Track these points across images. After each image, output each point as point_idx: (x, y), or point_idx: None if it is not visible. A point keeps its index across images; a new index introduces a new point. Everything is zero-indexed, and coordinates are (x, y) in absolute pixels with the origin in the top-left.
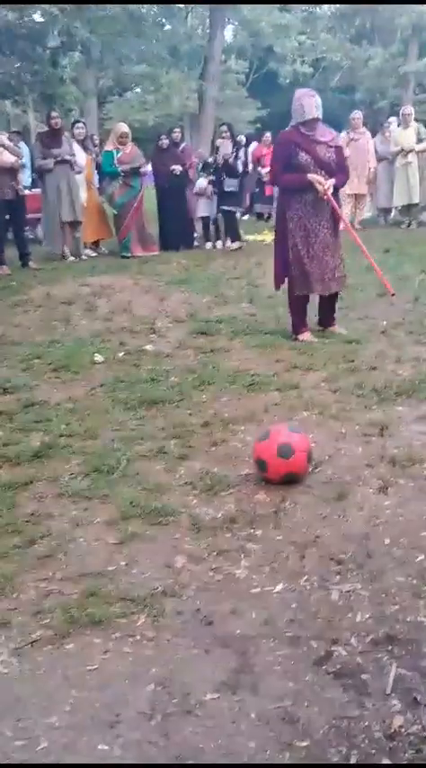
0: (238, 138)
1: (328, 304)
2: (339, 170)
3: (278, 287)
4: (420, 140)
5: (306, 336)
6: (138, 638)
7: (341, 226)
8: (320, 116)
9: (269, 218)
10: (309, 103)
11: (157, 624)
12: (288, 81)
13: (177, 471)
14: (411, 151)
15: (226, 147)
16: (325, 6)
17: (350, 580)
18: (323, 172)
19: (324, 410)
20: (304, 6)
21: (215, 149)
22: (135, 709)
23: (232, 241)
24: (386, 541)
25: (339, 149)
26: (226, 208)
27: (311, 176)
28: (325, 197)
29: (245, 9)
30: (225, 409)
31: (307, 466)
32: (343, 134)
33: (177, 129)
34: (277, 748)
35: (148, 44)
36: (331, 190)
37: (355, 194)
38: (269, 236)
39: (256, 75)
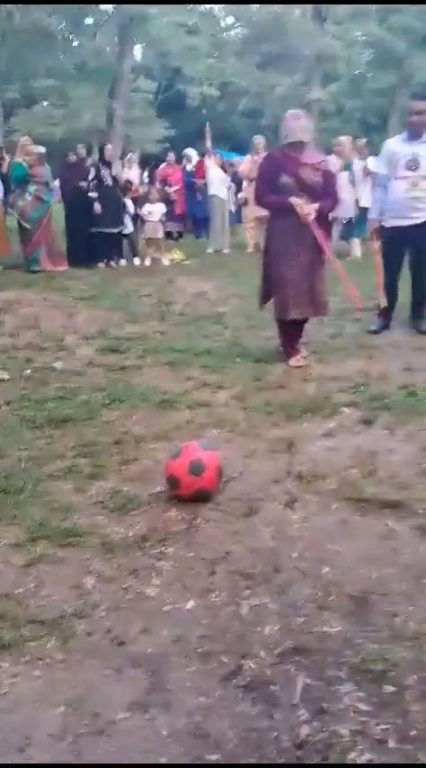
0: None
1: (299, 331)
2: (325, 194)
3: (261, 306)
4: None
5: (292, 361)
6: (48, 660)
7: (328, 253)
8: (306, 139)
9: (178, 237)
10: (293, 126)
11: (68, 646)
12: (195, 103)
13: (87, 491)
14: None
15: (133, 170)
16: (233, 32)
17: (259, 594)
18: (307, 195)
19: (234, 427)
20: (212, 30)
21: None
22: (45, 732)
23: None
24: (293, 555)
25: (327, 173)
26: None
27: (293, 199)
28: (304, 221)
29: (154, 29)
30: (135, 427)
31: (218, 482)
32: (248, 156)
33: (81, 146)
34: (188, 762)
35: (56, 59)
36: (312, 215)
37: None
38: (177, 255)
39: (165, 96)
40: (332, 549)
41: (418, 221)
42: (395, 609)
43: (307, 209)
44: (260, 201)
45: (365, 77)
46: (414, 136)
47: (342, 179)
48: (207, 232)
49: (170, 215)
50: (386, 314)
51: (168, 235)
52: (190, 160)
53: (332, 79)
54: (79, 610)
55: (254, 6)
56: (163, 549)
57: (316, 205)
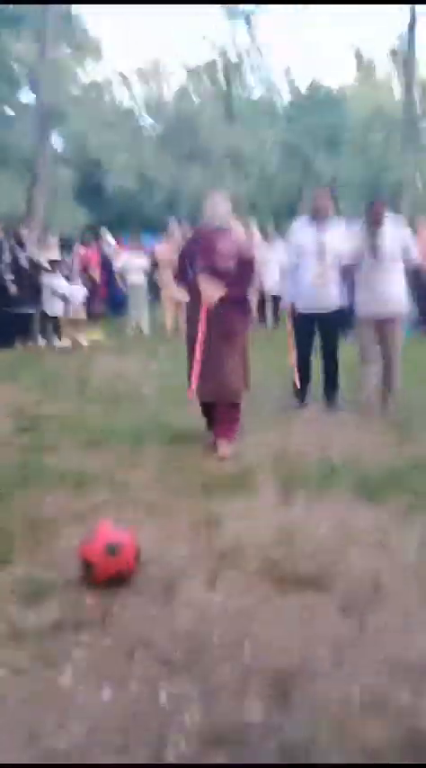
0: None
1: (219, 415)
2: (239, 282)
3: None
4: None
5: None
6: None
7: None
8: (222, 224)
9: (98, 317)
10: (211, 209)
11: None
12: (114, 193)
13: None
14: None
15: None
16: (150, 129)
17: (179, 681)
18: (218, 279)
19: (152, 507)
20: (130, 125)
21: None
22: None
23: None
24: (214, 638)
25: (244, 260)
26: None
27: (201, 283)
28: (206, 304)
29: (73, 123)
30: (50, 509)
31: (135, 564)
32: (163, 242)
33: None
34: None
35: None
36: (214, 298)
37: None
38: (97, 335)
39: (85, 186)
40: (254, 629)
41: (326, 310)
42: (318, 690)
43: (210, 293)
44: (177, 281)
45: (273, 176)
46: (319, 221)
47: None
48: (126, 310)
49: (92, 297)
50: (300, 392)
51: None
52: (109, 243)
53: (245, 175)
54: None
55: (173, 106)
56: (77, 637)
57: (221, 291)
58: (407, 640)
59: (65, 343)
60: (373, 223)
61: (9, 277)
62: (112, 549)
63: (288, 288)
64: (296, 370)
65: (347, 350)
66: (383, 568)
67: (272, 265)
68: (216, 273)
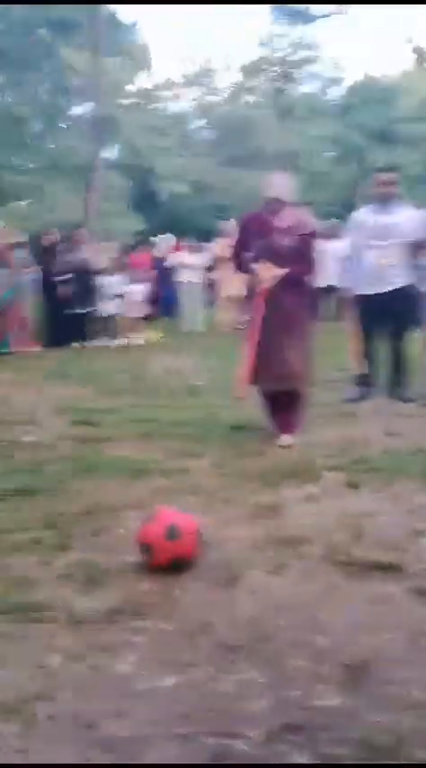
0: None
1: (285, 407)
2: (298, 260)
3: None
4: None
5: (279, 440)
6: (5, 750)
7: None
8: (282, 197)
9: (152, 319)
10: (270, 183)
11: (28, 733)
12: (167, 199)
13: (53, 563)
14: None
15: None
16: (202, 133)
17: (245, 668)
18: (277, 261)
19: (212, 494)
20: (182, 130)
21: None
22: None
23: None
24: (281, 624)
25: (304, 237)
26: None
27: (256, 266)
28: (260, 289)
29: (125, 131)
30: (107, 497)
31: (197, 549)
32: (219, 239)
33: (54, 230)
34: None
35: (33, 157)
36: (269, 282)
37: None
38: (153, 334)
39: (139, 193)
40: (323, 616)
41: (391, 288)
42: (397, 677)
43: (267, 275)
44: (235, 265)
45: (327, 172)
46: (381, 206)
47: None
48: (178, 313)
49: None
50: (364, 382)
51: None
52: (160, 249)
53: (299, 172)
54: (42, 691)
55: (224, 108)
56: (137, 622)
57: (282, 271)
58: None
59: (120, 342)
60: None
61: (64, 277)
62: (173, 533)
63: (348, 273)
64: (359, 357)
65: (416, 340)
66: None
67: (329, 260)
68: (273, 252)
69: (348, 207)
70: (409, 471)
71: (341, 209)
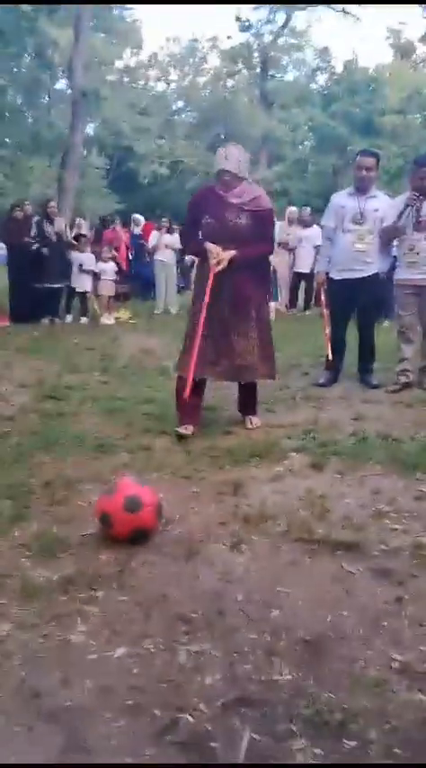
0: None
1: (245, 393)
2: (255, 239)
3: (178, 370)
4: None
5: (181, 429)
6: None
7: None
8: (234, 169)
9: (125, 298)
10: (220, 155)
11: None
12: (147, 180)
13: (9, 533)
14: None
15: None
16: (183, 115)
17: (200, 640)
18: (230, 240)
19: (176, 471)
20: (163, 111)
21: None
22: None
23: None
24: (239, 598)
25: (259, 214)
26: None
27: (207, 245)
28: (214, 270)
29: (107, 109)
30: (69, 470)
31: (157, 521)
32: None
33: (26, 202)
34: None
35: (10, 130)
36: (223, 264)
37: None
38: (123, 314)
39: (117, 172)
40: (282, 591)
41: (364, 275)
42: (353, 654)
43: (220, 255)
44: (183, 245)
45: (308, 160)
46: (361, 191)
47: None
48: (154, 294)
49: (120, 276)
50: (333, 367)
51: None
52: (138, 224)
53: (278, 160)
54: None
55: (204, 91)
56: (91, 593)
57: (233, 252)
58: None
59: (91, 319)
60: (417, 189)
61: (41, 249)
62: (132, 505)
63: (323, 256)
64: (329, 342)
65: (385, 329)
66: (420, 536)
67: (307, 248)
68: (227, 231)
69: (326, 198)
70: (374, 455)
71: (319, 199)
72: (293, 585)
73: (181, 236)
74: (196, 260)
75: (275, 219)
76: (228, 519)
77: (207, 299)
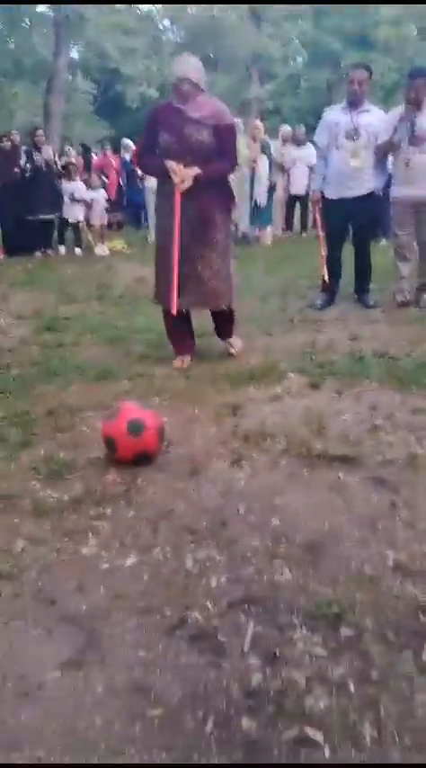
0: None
1: (219, 319)
2: (218, 155)
3: (155, 299)
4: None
5: (176, 363)
6: None
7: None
8: (192, 78)
9: (118, 227)
10: (176, 63)
11: None
12: (135, 104)
13: (18, 458)
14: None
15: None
16: (171, 34)
17: (205, 548)
18: (191, 157)
19: (177, 396)
20: (149, 32)
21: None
22: None
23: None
24: (241, 510)
25: (221, 129)
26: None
27: (168, 163)
28: (178, 190)
29: (91, 30)
30: (71, 399)
31: (159, 443)
32: None
33: (15, 132)
34: (126, 720)
35: None
36: (188, 182)
37: None
38: (117, 244)
39: (104, 97)
40: (282, 502)
41: (359, 193)
42: (350, 554)
43: (183, 174)
44: (140, 166)
45: (301, 77)
46: (354, 105)
47: (261, 163)
48: (147, 221)
49: (112, 205)
50: (329, 289)
51: (108, 225)
52: (128, 149)
53: (270, 78)
54: (6, 572)
55: (192, 8)
56: (100, 510)
57: (196, 170)
58: None
59: (85, 250)
60: (412, 102)
61: (30, 180)
62: (135, 428)
63: (317, 175)
64: (325, 263)
65: (382, 248)
66: (416, 448)
67: (301, 167)
68: (186, 147)
69: (320, 115)
70: (371, 373)
71: (313, 117)
72: (292, 496)
73: (137, 156)
74: None
75: (238, 134)
76: (229, 438)
77: (177, 223)
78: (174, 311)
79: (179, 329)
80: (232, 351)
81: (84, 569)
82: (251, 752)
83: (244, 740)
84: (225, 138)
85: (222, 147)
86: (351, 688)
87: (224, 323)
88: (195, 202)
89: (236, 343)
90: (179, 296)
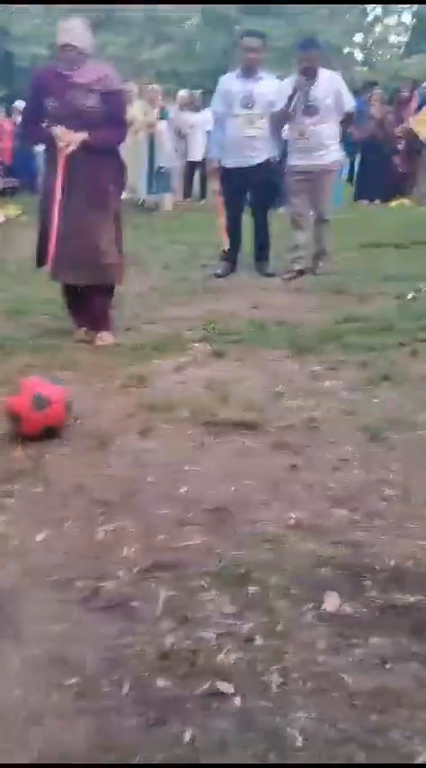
0: None
1: (94, 301)
2: (106, 121)
3: (39, 267)
4: None
5: (78, 333)
6: None
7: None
8: (77, 43)
9: (12, 192)
10: (60, 28)
11: None
12: (26, 63)
13: None
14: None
15: None
16: None
17: (116, 519)
18: (78, 124)
19: (83, 369)
20: None
21: None
22: None
23: None
24: (150, 480)
25: (110, 95)
26: None
27: (53, 130)
28: (61, 154)
29: None
30: None
31: (65, 417)
32: None
33: None
34: (44, 690)
35: None
36: (73, 146)
37: None
38: (13, 210)
39: None
40: (190, 469)
41: (255, 162)
42: (254, 516)
43: (67, 138)
44: (24, 135)
45: (197, 40)
46: (249, 73)
47: (162, 128)
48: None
49: (4, 170)
50: (229, 257)
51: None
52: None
53: (164, 41)
54: None
55: None
56: (8, 486)
57: (83, 135)
58: (340, 474)
59: None
60: (305, 72)
61: None
62: (40, 403)
63: (213, 143)
64: (224, 232)
65: (280, 216)
66: (315, 412)
67: (199, 133)
68: (74, 114)
69: (216, 78)
70: (273, 341)
71: (210, 81)
72: (200, 464)
73: (22, 124)
74: None
75: (133, 98)
76: (136, 410)
77: (59, 185)
78: (50, 268)
79: (75, 299)
80: (100, 342)
81: None
82: (165, 709)
83: (158, 698)
84: (113, 104)
85: (111, 114)
86: (258, 642)
87: (105, 308)
88: (83, 171)
89: (107, 337)
90: (64, 268)
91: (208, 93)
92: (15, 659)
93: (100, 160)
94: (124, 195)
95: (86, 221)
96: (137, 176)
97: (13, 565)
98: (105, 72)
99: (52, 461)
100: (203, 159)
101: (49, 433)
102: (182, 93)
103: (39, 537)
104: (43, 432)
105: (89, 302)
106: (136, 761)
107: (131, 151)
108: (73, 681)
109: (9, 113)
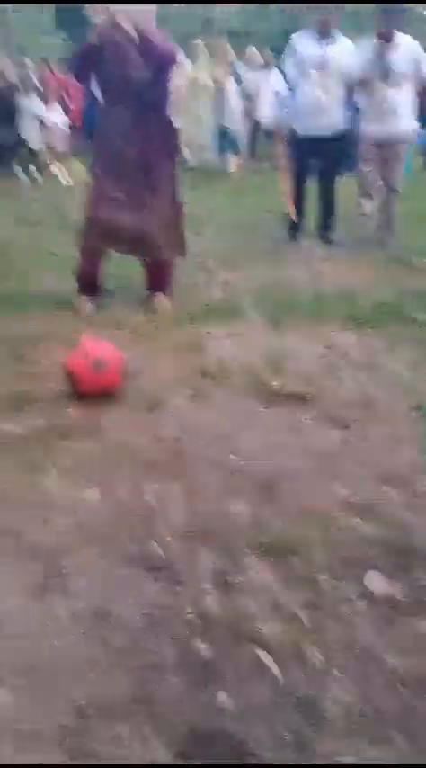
0: None
1: (153, 269)
2: (153, 91)
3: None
4: None
5: (81, 306)
6: None
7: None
8: (139, 21)
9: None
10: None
11: None
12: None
13: None
14: None
15: None
16: None
17: (165, 482)
18: (129, 96)
19: (137, 329)
20: None
21: None
22: None
23: None
24: (199, 445)
25: (161, 61)
26: None
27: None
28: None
29: None
30: (31, 330)
31: (120, 379)
32: None
33: None
34: (88, 644)
35: None
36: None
37: None
38: (78, 168)
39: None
40: (239, 439)
41: (328, 133)
42: (302, 490)
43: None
44: (71, 66)
45: None
46: (323, 34)
47: (229, 87)
48: None
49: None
50: (294, 225)
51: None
52: None
53: None
54: None
55: None
56: (62, 443)
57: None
58: (393, 453)
59: (45, 178)
60: (383, 36)
61: None
62: (98, 364)
63: (285, 107)
64: (290, 201)
65: (346, 184)
66: (372, 387)
67: (268, 94)
68: (129, 89)
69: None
70: (331, 312)
71: (283, 39)
72: (250, 433)
73: (72, 67)
74: None
75: (200, 56)
76: (189, 375)
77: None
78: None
79: (92, 272)
80: (156, 304)
81: (46, 503)
82: (204, 672)
83: (198, 661)
84: (165, 77)
85: (158, 82)
86: (300, 615)
87: (158, 273)
88: (136, 146)
89: (164, 303)
90: (110, 239)
91: (278, 54)
92: (62, 612)
93: (154, 133)
94: (187, 156)
95: (142, 197)
96: (202, 137)
97: (63, 520)
98: (161, 43)
99: (105, 421)
100: (265, 120)
101: (104, 393)
102: (252, 50)
103: (89, 495)
104: (99, 392)
105: (147, 267)
106: (172, 720)
107: (195, 110)
108: (116, 637)
109: None
